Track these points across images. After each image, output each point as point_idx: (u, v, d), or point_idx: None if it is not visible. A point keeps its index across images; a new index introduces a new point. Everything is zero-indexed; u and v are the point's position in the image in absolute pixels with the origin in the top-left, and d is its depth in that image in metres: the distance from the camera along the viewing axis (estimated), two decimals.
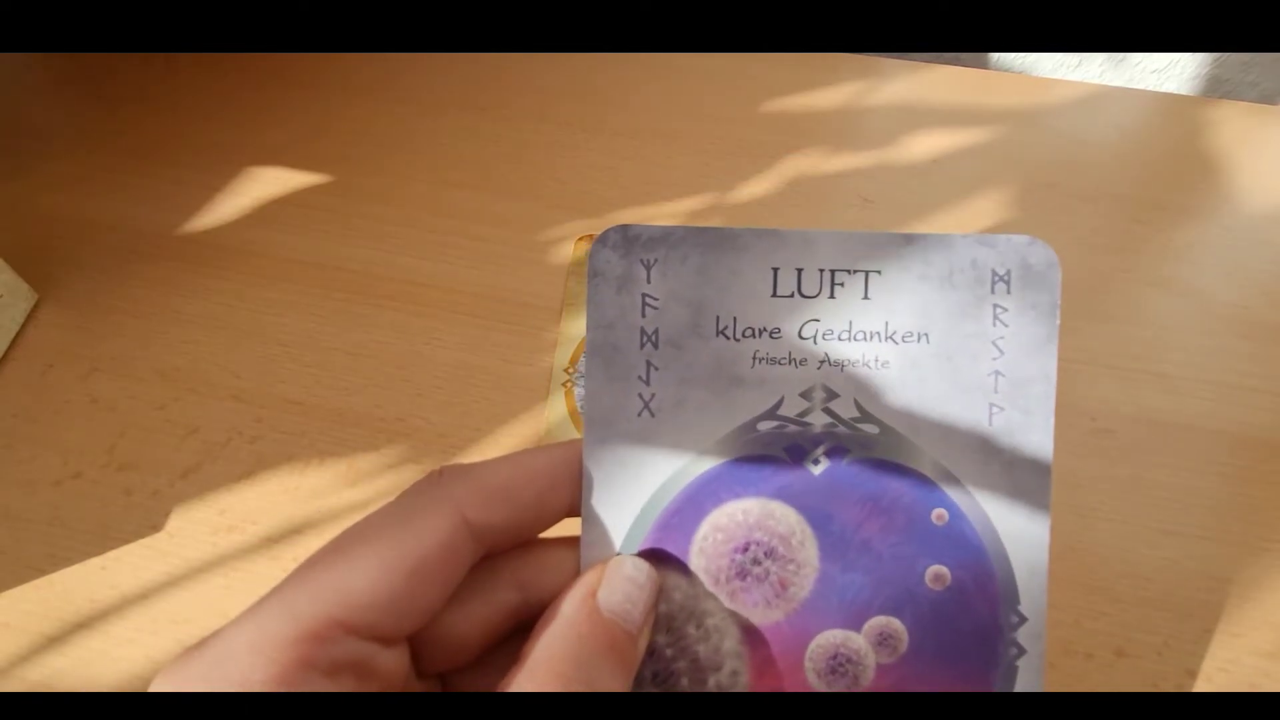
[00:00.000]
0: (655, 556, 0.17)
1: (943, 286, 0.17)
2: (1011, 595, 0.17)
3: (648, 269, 0.17)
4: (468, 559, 0.16)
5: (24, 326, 0.34)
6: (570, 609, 0.16)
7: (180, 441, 0.31)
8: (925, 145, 0.39)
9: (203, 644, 0.14)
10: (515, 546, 0.17)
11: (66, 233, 0.37)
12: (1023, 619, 0.17)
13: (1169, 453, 0.30)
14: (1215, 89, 0.44)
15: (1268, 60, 0.43)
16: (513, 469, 0.17)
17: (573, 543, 0.18)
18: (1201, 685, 0.26)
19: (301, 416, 0.32)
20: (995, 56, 0.45)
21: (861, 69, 0.42)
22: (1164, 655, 0.26)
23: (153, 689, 0.13)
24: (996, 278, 0.17)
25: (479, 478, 0.16)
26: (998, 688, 0.17)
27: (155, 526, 0.29)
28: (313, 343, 0.33)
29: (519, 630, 0.17)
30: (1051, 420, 0.17)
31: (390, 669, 0.15)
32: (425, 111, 0.41)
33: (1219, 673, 0.26)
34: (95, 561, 0.29)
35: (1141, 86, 0.44)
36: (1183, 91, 0.45)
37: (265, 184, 0.38)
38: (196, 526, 0.29)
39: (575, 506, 0.17)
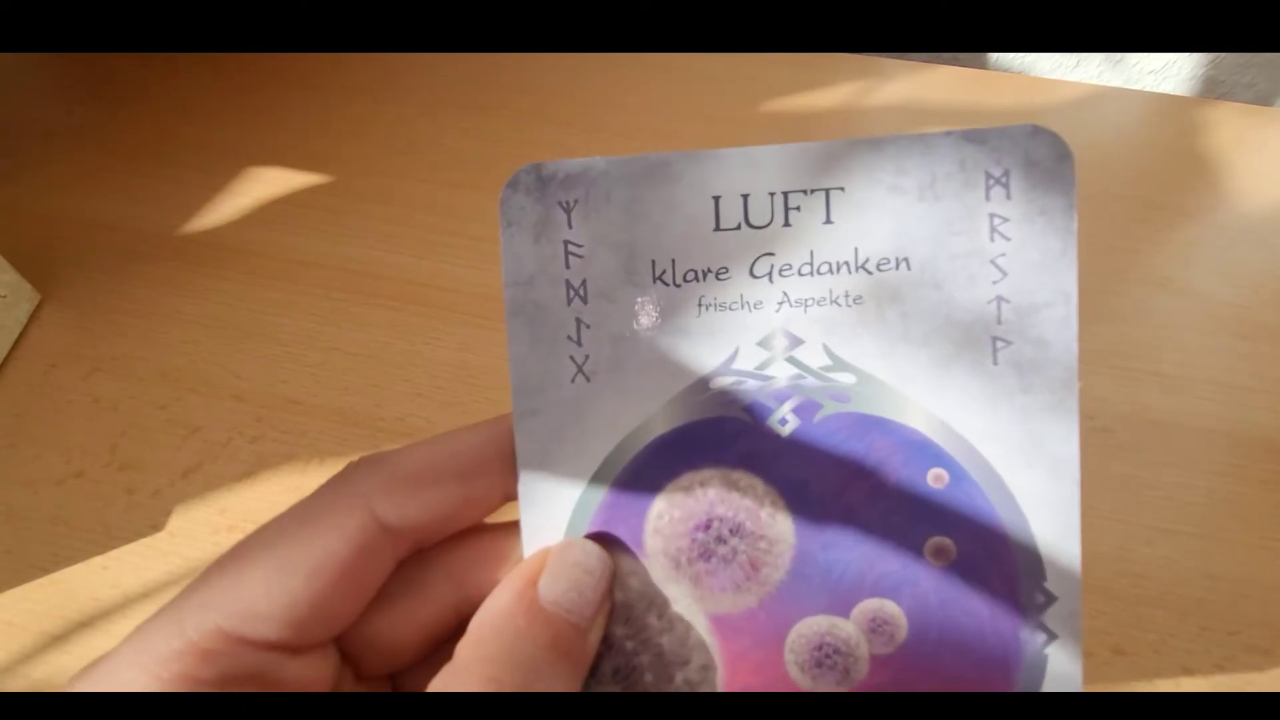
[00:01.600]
0: (605, 539, 0.15)
1: (923, 198, 0.14)
2: (1035, 569, 0.14)
3: (568, 212, 0.15)
4: (387, 556, 0.15)
5: (27, 327, 0.34)
6: (504, 601, 0.14)
7: (181, 441, 0.31)
8: None
9: (93, 664, 0.13)
10: (450, 538, 0.16)
11: (68, 233, 0.37)
12: (1051, 598, 0.14)
13: (1166, 452, 0.30)
14: (1212, 90, 0.44)
15: (1264, 62, 0.43)
16: (432, 453, 0.15)
17: (507, 528, 0.16)
18: (1198, 683, 0.26)
19: (302, 416, 0.32)
20: (994, 56, 0.45)
21: (861, 69, 0.42)
22: (1161, 653, 0.26)
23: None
24: (992, 180, 0.14)
25: (393, 466, 0.15)
26: (1022, 680, 0.14)
27: (156, 526, 0.29)
28: (313, 343, 0.34)
29: (461, 627, 0.15)
30: (1075, 351, 0.14)
31: (305, 678, 0.14)
32: (425, 111, 0.41)
33: (1215, 671, 0.26)
34: (97, 560, 0.29)
35: (1139, 87, 0.45)
36: (1180, 92, 0.45)
37: (265, 184, 0.38)
38: (197, 526, 0.29)
39: (511, 489, 0.15)
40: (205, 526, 0.29)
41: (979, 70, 0.42)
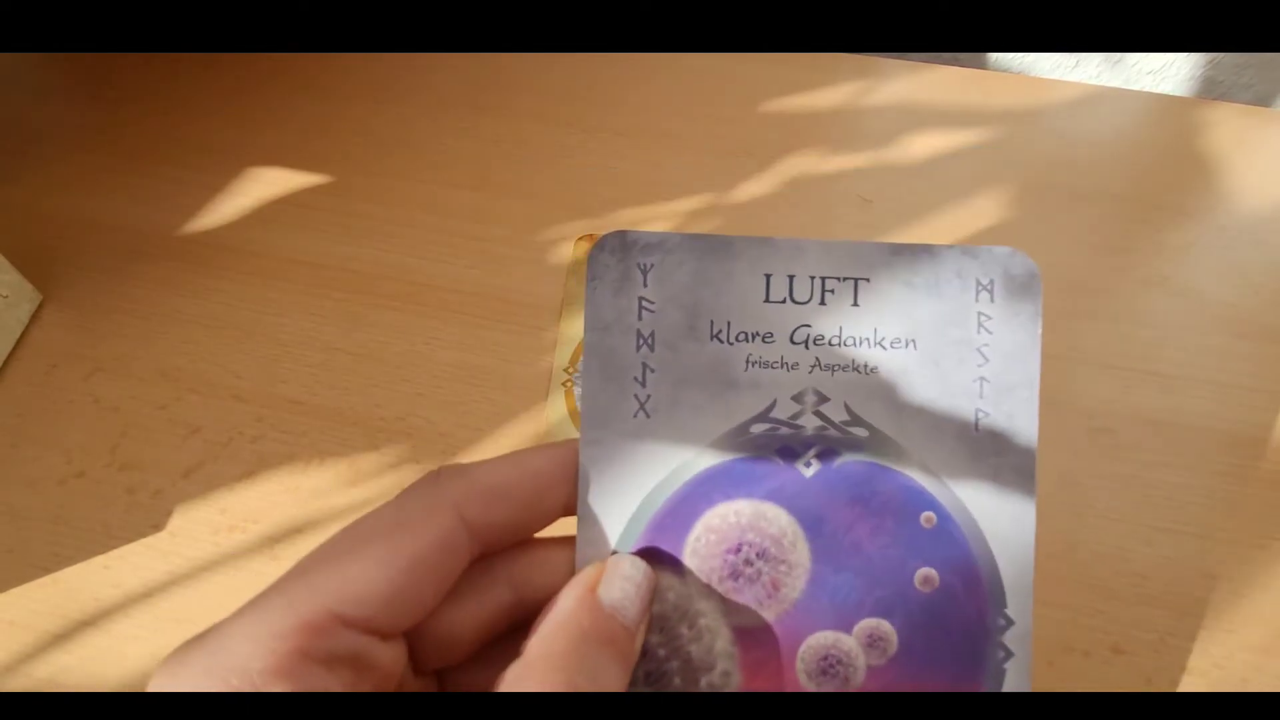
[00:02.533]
0: (650, 556, 0.17)
1: (930, 295, 0.17)
2: (999, 598, 0.17)
3: (644, 273, 0.18)
4: (464, 557, 0.16)
5: (28, 327, 0.34)
6: (571, 603, 0.16)
7: (182, 441, 0.31)
8: (923, 145, 0.39)
9: (204, 635, 0.14)
10: (511, 546, 0.17)
11: (69, 233, 0.37)
12: (1010, 622, 0.17)
13: (1166, 451, 0.30)
14: (1211, 90, 0.44)
15: (1263, 62, 0.43)
16: (510, 469, 0.17)
17: (567, 542, 0.18)
18: (1196, 681, 0.26)
19: (302, 416, 0.32)
20: (993, 57, 0.45)
21: (860, 69, 0.42)
22: (1160, 652, 0.26)
23: (154, 678, 0.14)
24: (980, 287, 0.17)
25: (476, 477, 0.17)
26: (984, 690, 0.17)
27: (157, 526, 0.29)
28: (313, 343, 0.34)
29: (512, 629, 0.17)
30: (1035, 425, 0.18)
31: (387, 663, 0.15)
32: (425, 111, 0.41)
33: (1214, 669, 0.26)
34: (98, 560, 0.29)
35: (1138, 87, 0.45)
36: (1179, 93, 0.45)
37: (266, 184, 0.38)
38: (198, 526, 0.29)
39: (571, 506, 0.17)
40: (206, 526, 0.29)
41: (979, 70, 0.43)
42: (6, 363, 0.33)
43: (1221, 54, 0.43)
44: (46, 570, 0.29)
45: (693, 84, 0.42)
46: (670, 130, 0.40)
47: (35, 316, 0.35)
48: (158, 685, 0.14)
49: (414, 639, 0.16)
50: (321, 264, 0.36)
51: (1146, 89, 0.45)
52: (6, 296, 0.33)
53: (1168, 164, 0.39)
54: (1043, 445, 0.31)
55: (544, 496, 0.17)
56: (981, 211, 0.37)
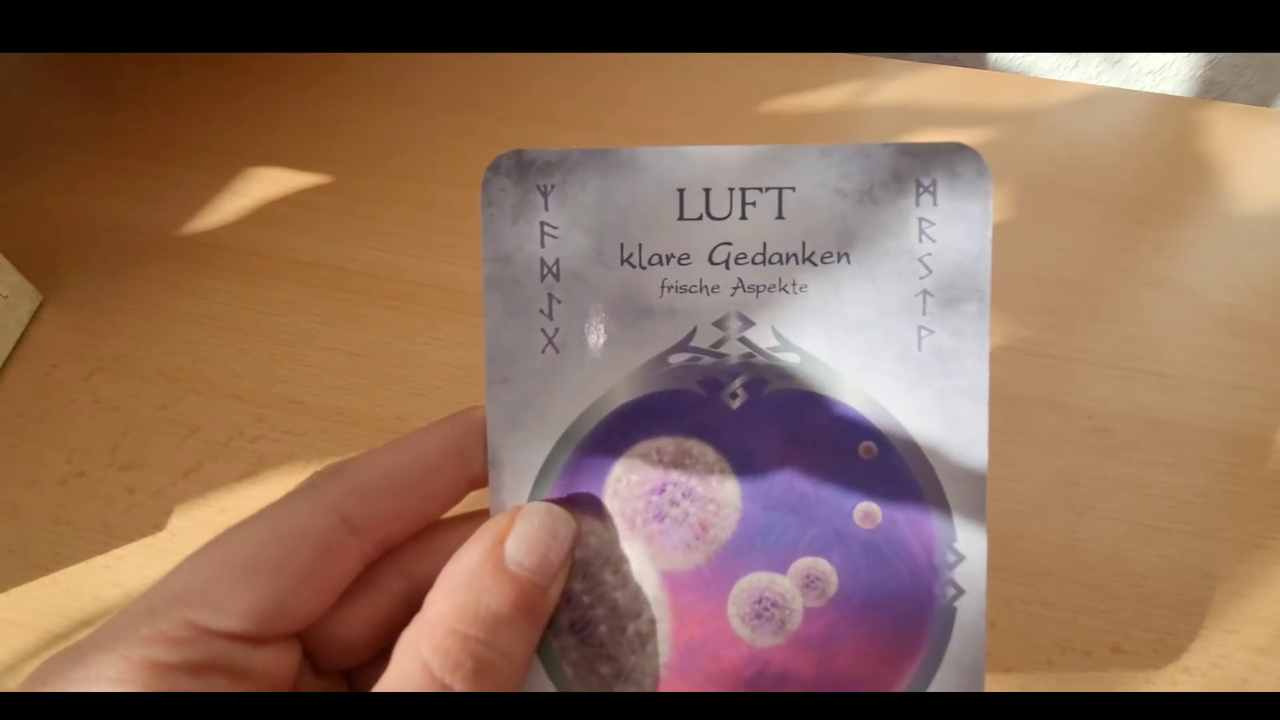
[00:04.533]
0: (568, 501, 0.16)
1: (862, 201, 0.16)
2: (948, 532, 0.16)
3: (545, 195, 0.16)
4: (353, 557, 0.16)
5: (28, 327, 0.34)
6: (473, 559, 0.15)
7: (182, 441, 0.31)
8: None
9: (69, 648, 0.14)
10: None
11: (70, 234, 0.37)
12: (960, 557, 0.16)
13: (1165, 451, 0.30)
14: (1210, 90, 0.44)
15: (1262, 63, 0.43)
16: (390, 458, 0.16)
17: (459, 521, 0.17)
18: (1196, 681, 0.26)
19: (302, 416, 0.32)
20: (993, 57, 0.45)
21: (860, 69, 0.42)
22: (1159, 652, 0.26)
23: (20, 685, 0.14)
24: (921, 189, 0.16)
25: (354, 474, 0.16)
26: (933, 630, 0.16)
27: (157, 525, 0.29)
28: (313, 343, 0.34)
29: (412, 616, 0.16)
30: (986, 343, 0.16)
31: (267, 669, 0.15)
32: (425, 111, 0.41)
33: (1213, 668, 0.26)
34: (99, 560, 0.29)
35: (1138, 88, 0.45)
36: (1178, 93, 0.45)
37: (266, 184, 0.38)
38: (198, 526, 0.29)
39: (472, 482, 0.17)
40: (206, 526, 0.29)
41: (978, 70, 0.43)
42: (7, 363, 0.33)
43: (1221, 54, 0.43)
44: (47, 570, 0.29)
45: (692, 84, 0.42)
46: (670, 130, 0.40)
47: (36, 316, 0.35)
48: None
49: (306, 640, 0.16)
50: (321, 264, 0.36)
51: (1146, 89, 0.45)
52: (7, 297, 0.33)
53: (1168, 164, 0.39)
54: (1042, 445, 0.31)
55: (434, 478, 0.16)
56: None
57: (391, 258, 0.36)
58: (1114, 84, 0.45)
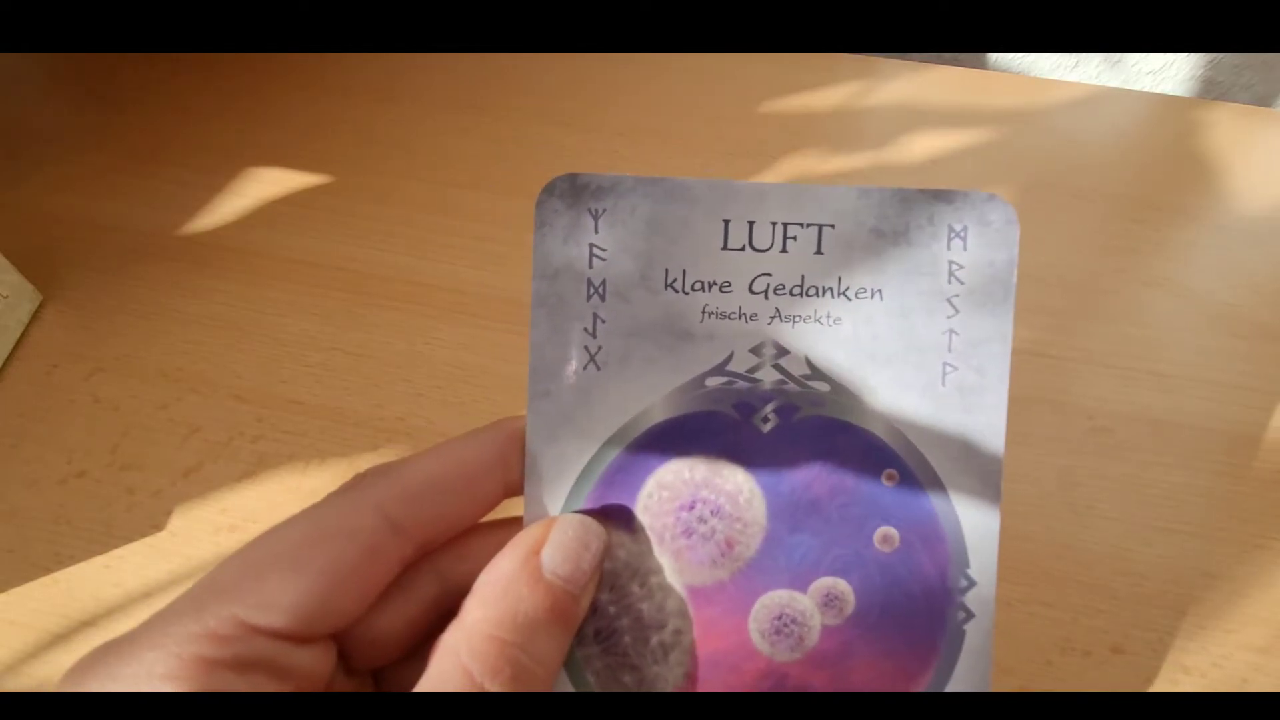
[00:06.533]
0: (601, 513, 0.17)
1: (898, 242, 0.17)
2: (961, 558, 0.17)
3: (595, 219, 0.17)
4: (393, 559, 0.16)
5: (29, 327, 0.34)
6: (510, 567, 0.15)
7: (182, 441, 0.31)
8: (923, 145, 0.39)
9: (115, 640, 0.14)
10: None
11: (70, 234, 0.37)
12: (972, 583, 0.17)
13: (1165, 451, 0.30)
14: (1210, 90, 0.44)
15: (1262, 63, 0.43)
16: (435, 462, 0.17)
17: (494, 526, 0.17)
18: (1196, 681, 0.26)
19: (302, 416, 0.32)
20: (993, 57, 0.45)
21: (860, 69, 0.42)
22: (1159, 652, 0.26)
23: (60, 681, 0.14)
24: (953, 234, 0.17)
25: (399, 476, 0.16)
26: (944, 652, 0.17)
27: (158, 525, 0.29)
28: (313, 343, 0.34)
29: (444, 620, 0.17)
30: (1006, 380, 0.17)
31: (308, 667, 0.15)
32: (425, 111, 0.41)
33: (1213, 668, 0.26)
34: (99, 560, 0.29)
35: (1138, 88, 0.45)
36: (1178, 93, 0.45)
37: (266, 184, 0.38)
38: (198, 525, 0.29)
39: (509, 489, 0.17)
40: (206, 526, 0.29)
41: (979, 70, 0.43)
42: (7, 363, 0.33)
43: (1221, 54, 0.43)
44: (47, 570, 0.29)
45: (693, 84, 0.42)
46: (670, 130, 0.40)
47: (36, 316, 0.35)
48: (64, 687, 0.14)
49: (342, 640, 0.16)
50: (321, 264, 0.36)
51: (1146, 89, 0.45)
52: (7, 297, 0.33)
53: (1168, 164, 0.39)
54: (1042, 445, 0.31)
55: (476, 484, 0.17)
56: None
57: (391, 258, 0.36)
58: (1114, 84, 0.45)
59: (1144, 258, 0.35)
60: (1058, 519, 0.29)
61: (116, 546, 0.29)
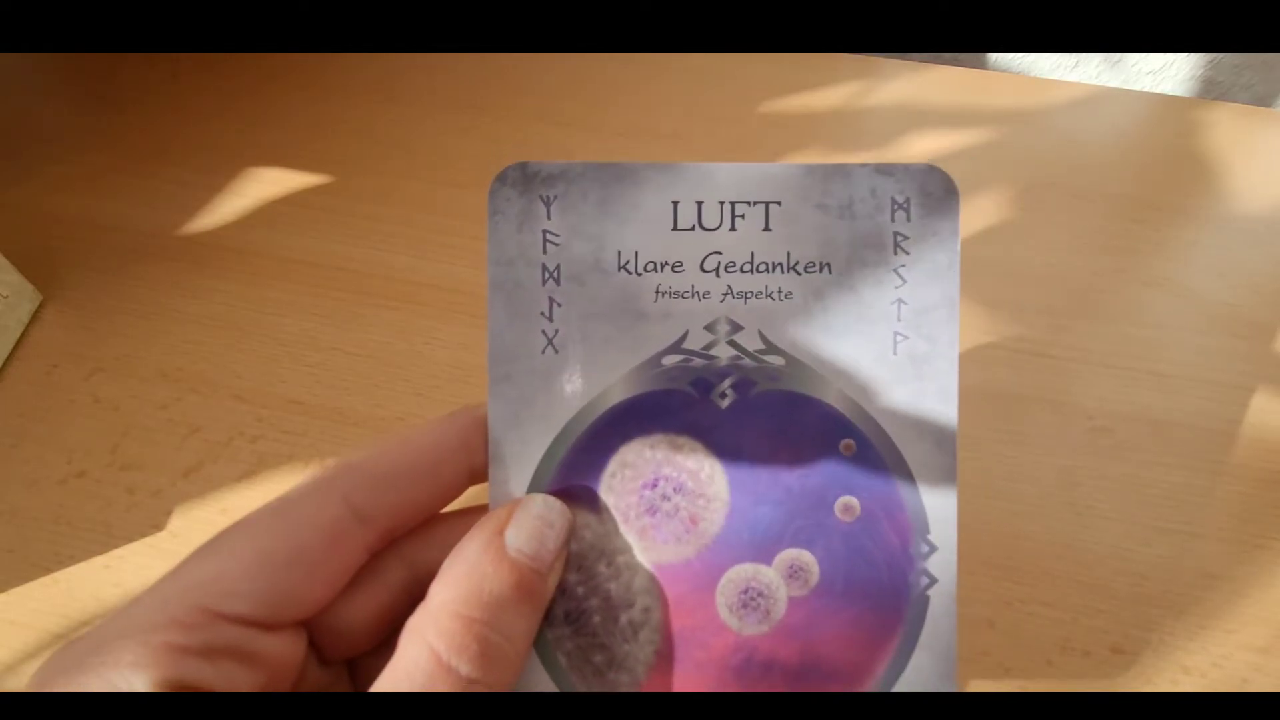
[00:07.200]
0: (565, 494, 0.17)
1: (843, 216, 0.17)
2: (921, 524, 0.17)
3: (548, 205, 0.17)
4: (359, 546, 0.16)
5: (29, 327, 0.34)
6: (475, 548, 0.15)
7: (182, 441, 0.31)
8: (923, 145, 0.39)
9: (84, 634, 0.14)
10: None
11: (70, 234, 0.37)
12: (933, 548, 0.17)
13: (1165, 451, 0.30)
14: (1210, 90, 0.44)
15: (1262, 63, 0.43)
16: (398, 450, 0.17)
17: (461, 514, 0.18)
18: (1196, 681, 0.26)
19: (302, 416, 0.32)
20: (993, 57, 0.45)
21: (860, 69, 0.42)
22: (1159, 652, 0.26)
23: (33, 676, 0.14)
24: (896, 205, 0.17)
25: (363, 465, 0.17)
26: (908, 617, 0.17)
27: (158, 525, 0.29)
28: (313, 343, 0.34)
29: (414, 607, 0.17)
30: (956, 346, 0.17)
31: (277, 655, 0.15)
32: (425, 111, 0.41)
33: (1213, 668, 0.26)
34: (99, 560, 0.29)
35: (1138, 88, 0.45)
36: (1178, 93, 0.45)
37: (266, 184, 0.38)
38: (198, 525, 0.29)
39: (474, 475, 0.17)
40: (206, 526, 0.29)
41: (978, 70, 0.43)
42: (7, 363, 0.33)
43: (1221, 54, 0.43)
44: (47, 570, 0.29)
45: (692, 84, 0.42)
46: (670, 130, 0.40)
47: (36, 316, 0.35)
48: (34, 683, 0.14)
49: (312, 629, 0.16)
50: (321, 264, 0.36)
51: (1146, 89, 0.45)
52: (7, 297, 0.33)
53: (1168, 164, 0.39)
54: (1042, 445, 0.31)
55: (439, 471, 0.17)
56: (981, 211, 0.37)
57: (391, 258, 0.36)
58: (1114, 84, 0.45)
59: (1144, 258, 0.35)
60: (1058, 519, 0.29)
61: (116, 546, 0.29)
